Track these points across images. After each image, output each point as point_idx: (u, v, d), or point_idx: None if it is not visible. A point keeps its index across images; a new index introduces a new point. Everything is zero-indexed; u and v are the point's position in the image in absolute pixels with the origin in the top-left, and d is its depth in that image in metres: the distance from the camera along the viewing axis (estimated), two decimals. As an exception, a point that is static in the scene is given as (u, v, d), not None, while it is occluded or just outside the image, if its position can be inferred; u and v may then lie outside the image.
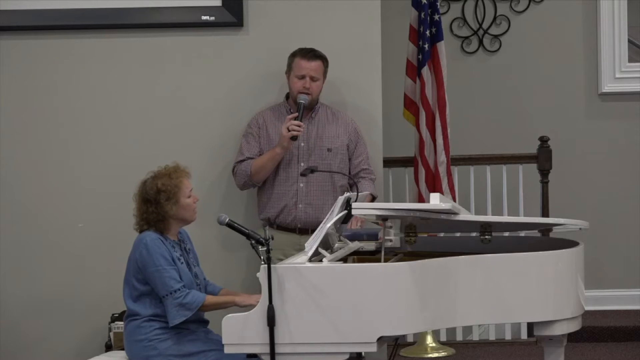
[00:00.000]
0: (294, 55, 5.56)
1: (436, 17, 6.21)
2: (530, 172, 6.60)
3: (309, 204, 5.51)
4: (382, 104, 5.88)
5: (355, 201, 4.55)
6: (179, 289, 4.57)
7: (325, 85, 5.70)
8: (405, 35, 6.28)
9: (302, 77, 5.50)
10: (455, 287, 4.30)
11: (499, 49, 7.28)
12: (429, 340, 6.28)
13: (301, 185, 5.52)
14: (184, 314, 4.56)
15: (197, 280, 4.75)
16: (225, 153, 5.82)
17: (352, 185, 5.58)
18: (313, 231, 5.44)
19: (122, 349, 4.86)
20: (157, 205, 4.67)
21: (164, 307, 4.60)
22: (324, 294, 4.15)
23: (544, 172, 6.53)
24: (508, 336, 6.57)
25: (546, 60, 7.23)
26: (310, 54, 5.53)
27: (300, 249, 5.43)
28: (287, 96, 5.66)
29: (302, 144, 5.55)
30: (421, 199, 6.17)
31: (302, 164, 5.51)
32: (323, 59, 5.55)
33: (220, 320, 4.24)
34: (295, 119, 5.42)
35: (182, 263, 4.69)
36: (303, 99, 5.46)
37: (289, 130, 5.39)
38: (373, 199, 5.65)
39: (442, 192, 6.03)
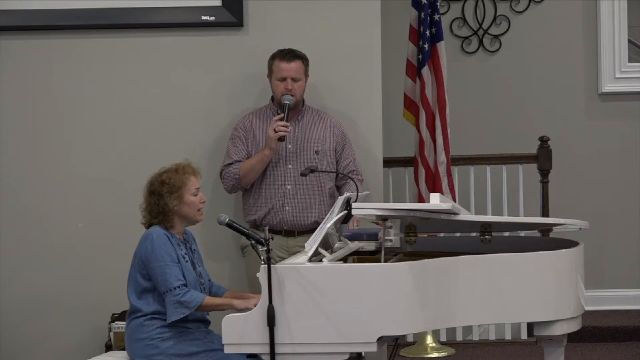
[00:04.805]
0: (273, 57, 5.53)
1: (436, 17, 6.21)
2: (530, 172, 6.60)
3: (296, 206, 5.48)
4: (382, 104, 5.88)
5: (355, 201, 4.55)
6: (179, 287, 4.57)
7: (325, 85, 5.70)
8: (405, 35, 6.28)
9: (284, 79, 5.46)
10: (455, 287, 4.30)
11: (499, 49, 7.28)
12: (429, 340, 6.28)
13: (288, 187, 5.49)
14: (181, 312, 4.56)
15: (201, 279, 4.76)
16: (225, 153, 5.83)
17: (340, 187, 5.57)
18: (299, 233, 5.49)
19: (123, 349, 4.86)
20: (159, 197, 4.68)
21: (164, 303, 4.61)
22: (324, 294, 4.15)
23: (544, 172, 6.53)
24: (508, 336, 6.57)
25: (546, 60, 7.23)
26: (289, 55, 5.49)
27: (288, 251, 5.43)
28: (272, 98, 5.63)
29: (290, 146, 5.51)
30: (421, 199, 6.17)
31: (289, 166, 5.48)
32: (302, 58, 5.51)
33: (221, 320, 4.24)
34: (281, 119, 5.40)
35: (187, 261, 4.69)
36: (288, 100, 5.42)
37: (276, 132, 5.36)
38: None
39: (442, 192, 6.03)
